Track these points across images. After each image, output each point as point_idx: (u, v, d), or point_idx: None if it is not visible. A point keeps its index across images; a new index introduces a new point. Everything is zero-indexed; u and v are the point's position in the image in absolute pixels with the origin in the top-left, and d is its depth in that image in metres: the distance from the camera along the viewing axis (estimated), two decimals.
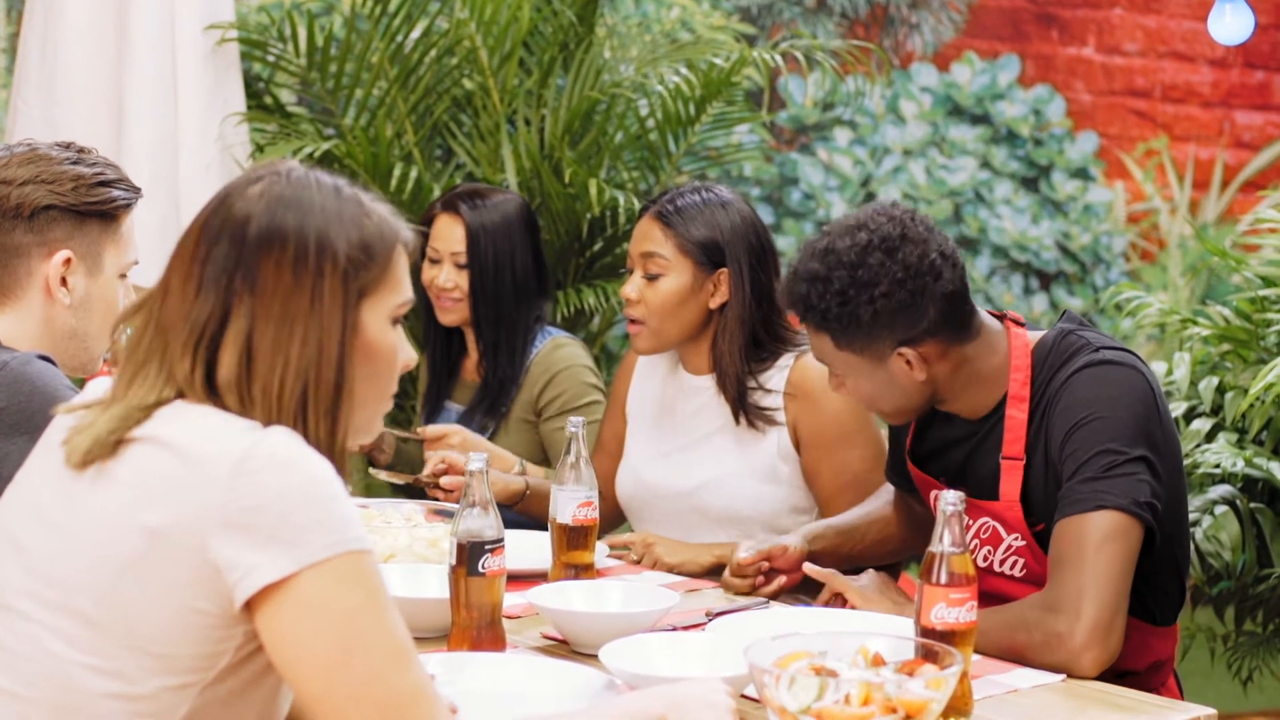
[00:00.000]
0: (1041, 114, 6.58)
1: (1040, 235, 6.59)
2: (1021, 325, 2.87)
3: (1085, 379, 2.72)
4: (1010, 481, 2.79)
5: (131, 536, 1.86)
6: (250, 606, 1.85)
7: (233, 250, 1.92)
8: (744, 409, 3.34)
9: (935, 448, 2.97)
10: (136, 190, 2.75)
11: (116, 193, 2.70)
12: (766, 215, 6.33)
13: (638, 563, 3.23)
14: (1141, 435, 2.68)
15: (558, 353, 3.87)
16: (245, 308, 1.92)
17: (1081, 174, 6.63)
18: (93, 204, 2.67)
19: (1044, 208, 6.60)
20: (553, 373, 3.85)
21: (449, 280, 3.88)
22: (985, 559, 2.86)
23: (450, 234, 3.88)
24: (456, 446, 3.56)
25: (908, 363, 2.77)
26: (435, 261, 3.91)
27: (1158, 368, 4.18)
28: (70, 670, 1.88)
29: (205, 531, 1.83)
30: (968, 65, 6.51)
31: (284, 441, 1.87)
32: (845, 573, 3.10)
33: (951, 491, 2.31)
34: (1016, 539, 2.82)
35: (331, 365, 1.93)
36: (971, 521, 2.87)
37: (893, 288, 2.71)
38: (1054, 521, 2.67)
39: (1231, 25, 3.43)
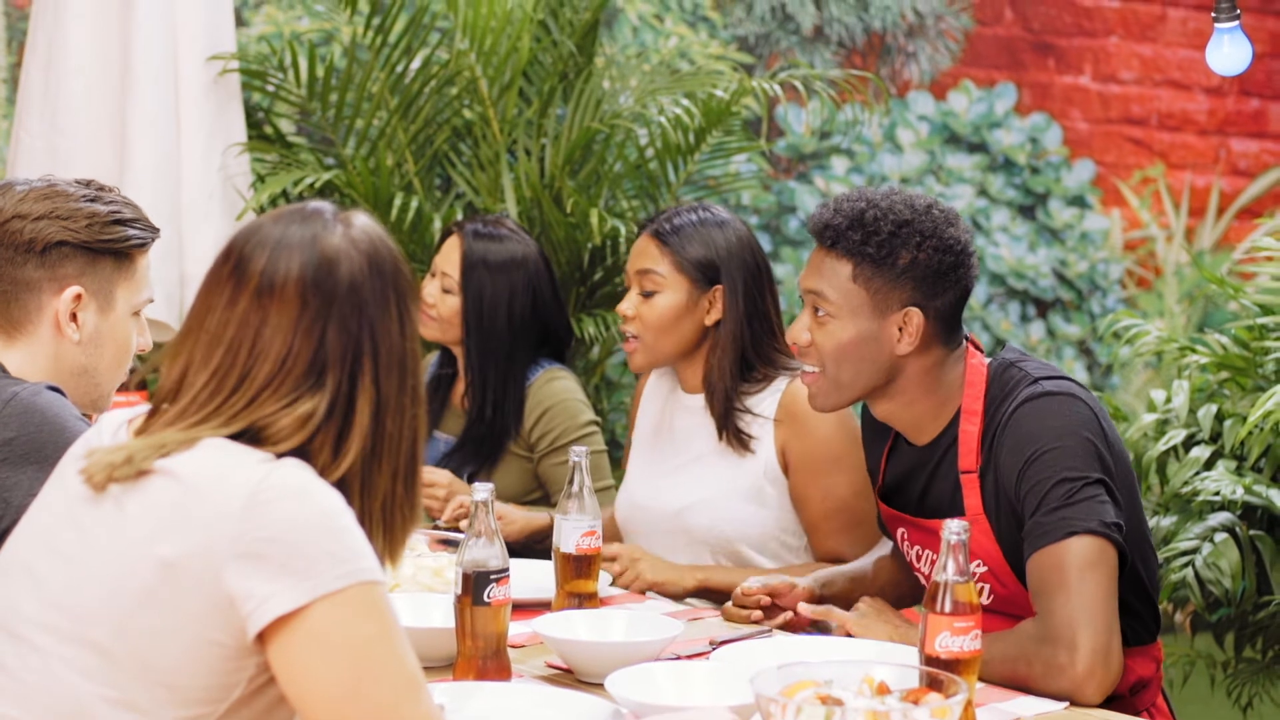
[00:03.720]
0: (1038, 142, 6.61)
1: (1037, 263, 6.61)
2: (979, 349, 2.91)
3: (1028, 412, 2.75)
4: (972, 495, 2.82)
5: (146, 568, 1.87)
6: (263, 637, 1.86)
7: (353, 315, 1.95)
8: (726, 426, 3.35)
9: (894, 482, 3.00)
10: (154, 230, 2.76)
11: (132, 231, 2.70)
12: (765, 243, 6.35)
13: (620, 575, 3.22)
14: (1093, 459, 2.70)
15: (549, 386, 3.87)
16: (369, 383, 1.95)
17: (1078, 201, 6.65)
18: (106, 242, 2.68)
19: (1041, 235, 6.62)
20: (545, 408, 3.86)
21: (431, 296, 3.92)
22: None
23: (450, 255, 3.92)
24: (443, 498, 3.61)
25: (900, 328, 2.80)
26: (432, 275, 3.95)
27: (1157, 395, 4.20)
28: (84, 701, 1.89)
29: (219, 563, 1.85)
30: (964, 94, 6.54)
31: (296, 473, 1.89)
32: (835, 598, 3.14)
33: (956, 521, 2.33)
34: (978, 565, 2.84)
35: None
36: (937, 555, 2.88)
37: (941, 249, 2.79)
38: (1027, 557, 2.69)
39: (1230, 56, 3.44)
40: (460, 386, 4.00)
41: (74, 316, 2.68)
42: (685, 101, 5.12)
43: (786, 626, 3.00)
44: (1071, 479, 2.67)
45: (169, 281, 4.63)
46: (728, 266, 3.38)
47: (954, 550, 2.32)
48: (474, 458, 3.87)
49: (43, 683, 1.91)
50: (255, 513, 1.85)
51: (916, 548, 2.97)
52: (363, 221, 2.02)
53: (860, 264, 2.80)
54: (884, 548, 3.26)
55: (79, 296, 2.67)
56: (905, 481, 2.97)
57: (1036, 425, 2.73)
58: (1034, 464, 2.71)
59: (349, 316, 1.95)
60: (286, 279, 1.95)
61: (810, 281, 2.86)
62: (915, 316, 2.80)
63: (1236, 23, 3.47)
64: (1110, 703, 2.68)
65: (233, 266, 1.98)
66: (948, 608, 2.32)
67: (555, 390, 3.86)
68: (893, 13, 6.44)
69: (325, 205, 2.03)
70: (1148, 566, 2.86)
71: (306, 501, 1.87)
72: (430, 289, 3.92)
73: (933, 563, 2.88)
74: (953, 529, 2.32)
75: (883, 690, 2.18)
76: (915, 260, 2.78)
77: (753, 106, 5.57)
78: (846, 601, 3.10)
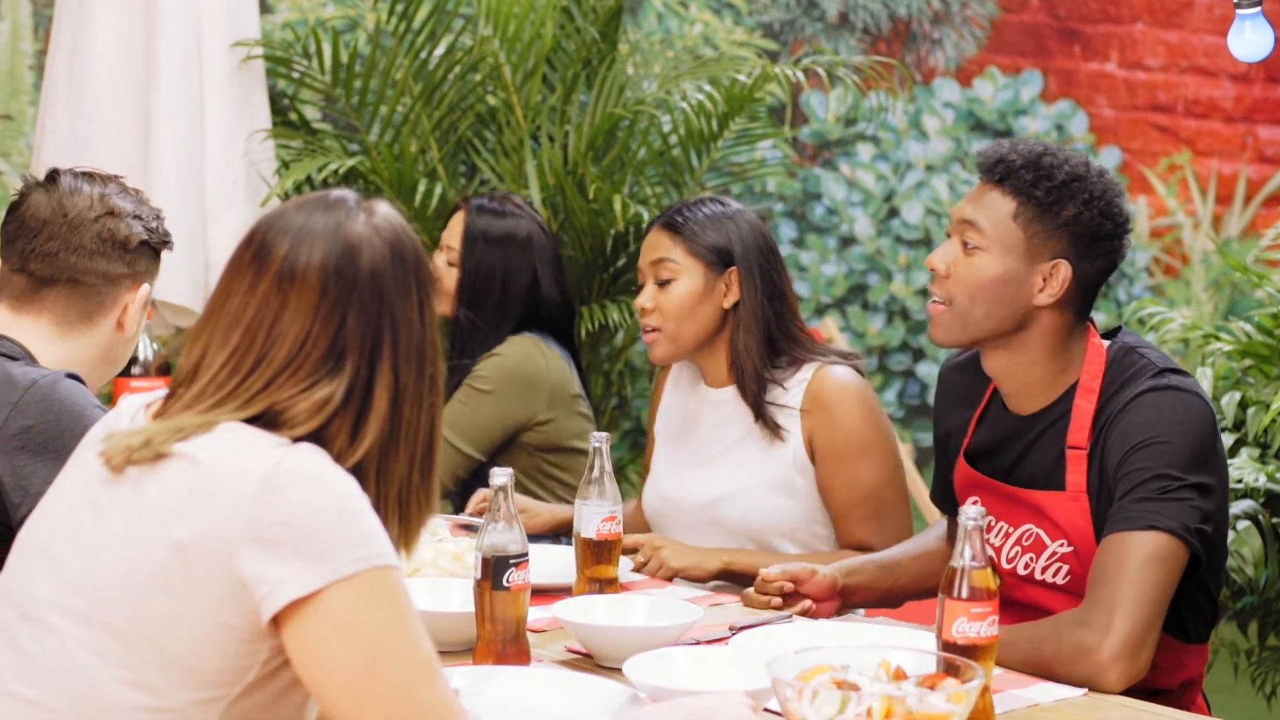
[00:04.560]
0: (1064, 129, 6.59)
1: None
2: (1097, 331, 2.89)
3: (1149, 403, 2.72)
4: (1076, 471, 2.78)
5: (161, 551, 1.88)
6: (277, 621, 1.87)
7: (374, 302, 1.96)
8: (761, 410, 3.35)
9: (982, 447, 2.97)
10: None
11: (170, 235, 2.83)
12: (789, 230, 6.35)
13: (644, 565, 3.23)
14: (1200, 463, 2.67)
15: (508, 344, 3.96)
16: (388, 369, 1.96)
17: None
18: (165, 241, 2.80)
19: None
20: (492, 355, 3.94)
21: (436, 271, 3.98)
22: (1026, 567, 2.85)
23: (453, 229, 4.00)
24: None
25: (1045, 279, 2.78)
26: (439, 250, 4.01)
27: None
28: (100, 683, 1.89)
29: (233, 546, 1.86)
30: (990, 81, 6.52)
31: (311, 458, 1.89)
32: (882, 607, 3.15)
33: (972, 506, 2.32)
34: (1062, 545, 2.81)
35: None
36: (1012, 529, 2.87)
37: (1106, 214, 2.77)
38: (1102, 537, 2.67)
39: (1252, 42, 3.43)
40: None
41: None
42: (708, 88, 5.12)
43: (807, 613, 3.00)
44: (1171, 476, 2.64)
45: (193, 268, 4.65)
46: (741, 248, 3.39)
47: (971, 536, 2.31)
48: None
49: (58, 664, 1.92)
50: (270, 497, 1.86)
51: (990, 518, 2.93)
52: (385, 210, 2.03)
53: (1025, 204, 2.77)
54: (922, 537, 3.24)
55: (147, 294, 2.77)
56: (997, 448, 2.93)
57: (1153, 415, 2.70)
58: (1140, 451, 2.68)
59: (369, 304, 1.96)
60: (309, 266, 1.96)
61: (967, 211, 2.83)
62: (1063, 270, 2.77)
63: (1259, 9, 3.45)
64: (1156, 696, 2.67)
65: (255, 252, 1.99)
66: (965, 593, 2.31)
67: (509, 347, 3.95)
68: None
69: (349, 193, 2.04)
70: (1221, 570, 2.84)
71: (321, 486, 1.88)
72: (437, 262, 3.96)
73: (1006, 535, 2.87)
74: (970, 515, 2.31)
75: (899, 675, 2.18)
76: (1079, 217, 2.75)
77: (777, 93, 5.57)
78: (873, 591, 3.10)
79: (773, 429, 3.34)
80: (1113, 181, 2.81)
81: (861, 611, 3.39)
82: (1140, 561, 2.60)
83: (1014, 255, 2.79)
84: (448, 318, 4.00)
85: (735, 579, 3.27)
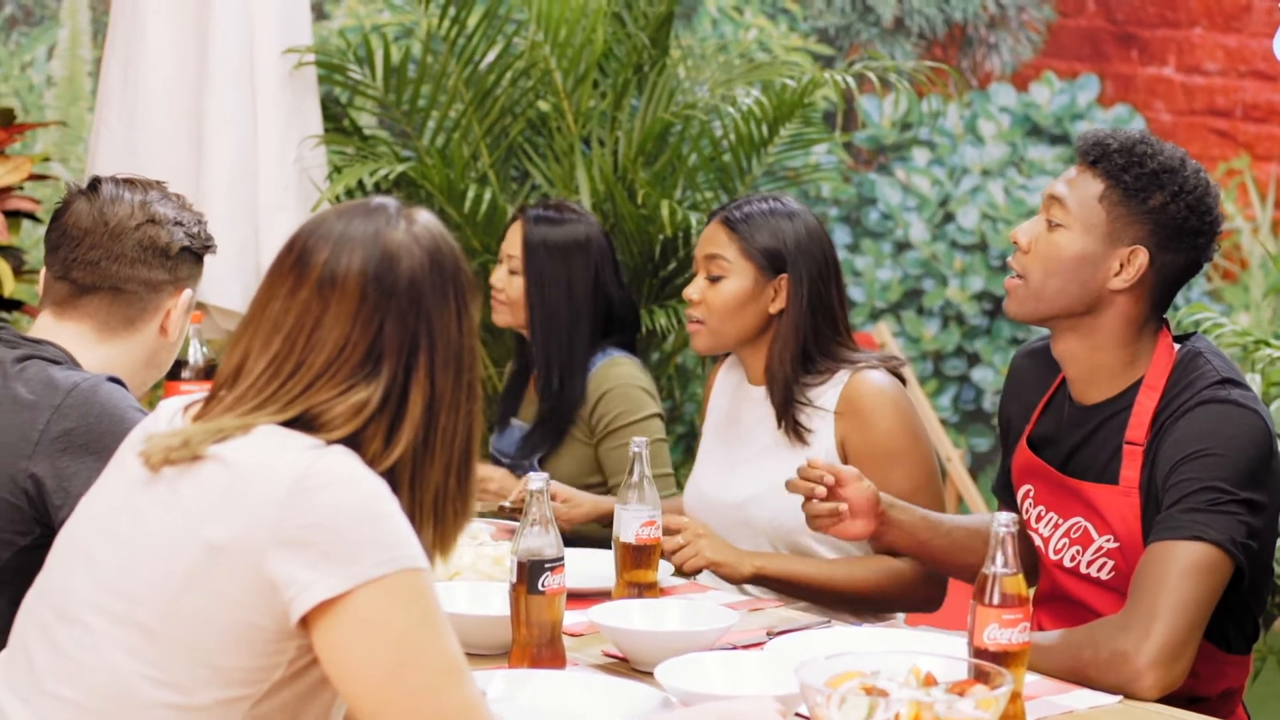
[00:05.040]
0: None
1: None
2: (1170, 333, 2.88)
3: (1205, 414, 2.71)
4: (1131, 467, 2.77)
5: (193, 551, 1.90)
6: (306, 622, 1.89)
7: (411, 309, 1.99)
8: (785, 416, 3.35)
9: (1044, 433, 2.96)
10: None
11: (213, 239, 2.85)
12: (844, 235, 6.34)
13: (680, 549, 3.22)
14: (1252, 479, 2.66)
15: (610, 370, 3.93)
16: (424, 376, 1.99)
17: None
18: (207, 246, 2.82)
19: None
20: (604, 390, 3.91)
21: (499, 281, 4.02)
22: (1073, 559, 2.85)
23: (512, 239, 4.02)
24: (494, 492, 3.66)
25: (1122, 264, 2.77)
26: (499, 262, 4.03)
27: None
28: (131, 681, 1.92)
29: (263, 547, 1.88)
30: (1046, 85, 6.50)
31: (342, 460, 1.91)
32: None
33: (1005, 513, 2.32)
34: (1109, 540, 2.80)
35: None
36: (1062, 520, 2.86)
37: (1193, 209, 2.76)
38: (1148, 544, 2.66)
39: None
40: (535, 375, 4.06)
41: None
42: (756, 93, 5.13)
43: (839, 517, 2.96)
44: (1221, 489, 2.63)
45: (245, 272, 4.69)
46: (794, 257, 3.39)
47: (1003, 543, 2.31)
48: (544, 440, 3.93)
49: (93, 663, 1.95)
50: (300, 499, 1.88)
51: (1040, 508, 2.92)
52: (425, 219, 2.05)
53: (1113, 187, 2.76)
54: (970, 517, 3.21)
55: (190, 299, 2.79)
56: (1057, 436, 2.92)
57: (1210, 427, 2.69)
58: (1192, 461, 2.67)
59: (407, 311, 1.98)
60: (348, 272, 1.98)
61: (1058, 188, 2.82)
62: (1141, 256, 2.76)
63: None
64: (1194, 704, 2.66)
65: (296, 258, 2.01)
66: (996, 600, 2.31)
67: (617, 374, 3.92)
68: (974, 4, 6.42)
69: (389, 201, 2.06)
70: (1265, 580, 2.82)
71: (351, 489, 1.90)
72: (498, 275, 4.00)
73: (1055, 526, 2.86)
74: (1002, 521, 2.31)
75: (929, 681, 2.18)
76: (1165, 206, 2.75)
77: (832, 98, 5.57)
78: (911, 538, 3.05)
79: (796, 433, 3.35)
80: (1208, 181, 2.80)
81: (902, 617, 3.39)
82: (1183, 570, 2.59)
83: (1094, 236, 2.78)
84: (516, 327, 4.03)
85: (768, 585, 3.27)
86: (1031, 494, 2.93)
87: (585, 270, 3.95)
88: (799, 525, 3.32)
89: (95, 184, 2.78)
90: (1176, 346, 2.83)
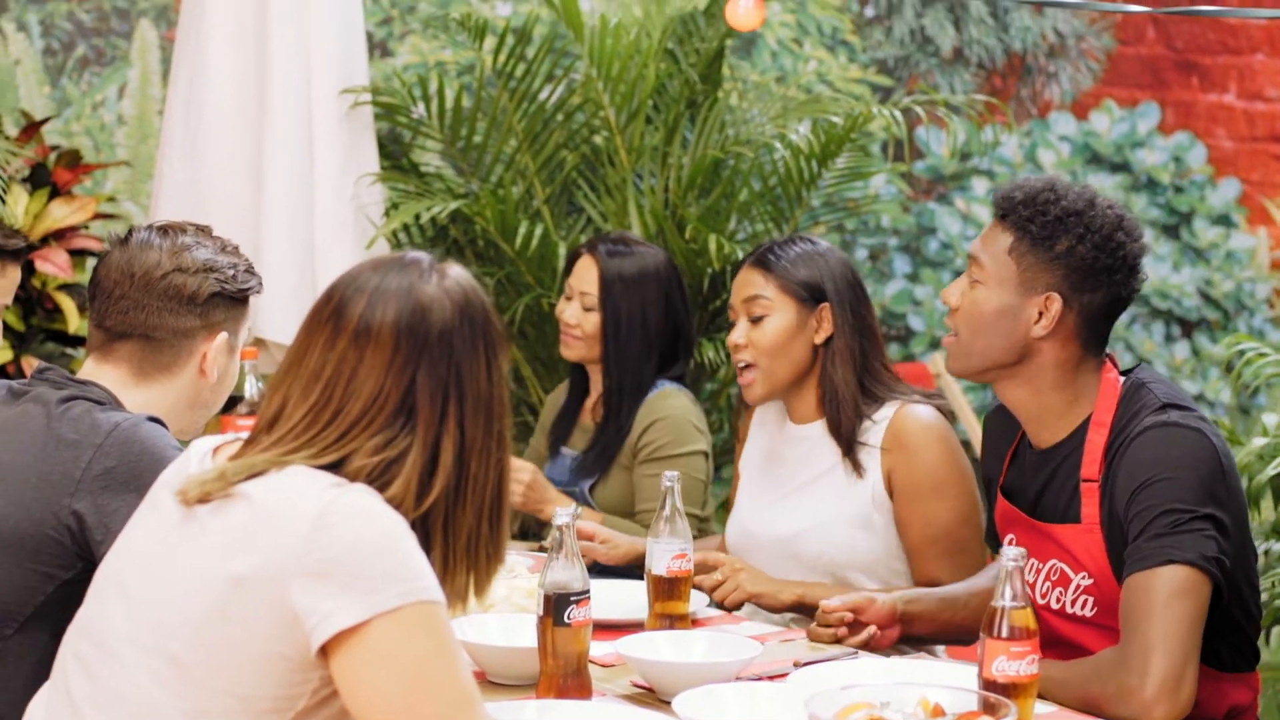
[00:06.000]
0: (1182, 161, 6.57)
1: (1181, 282, 6.57)
2: (1116, 366, 2.93)
3: (1150, 440, 2.77)
4: (1090, 504, 2.83)
5: (219, 584, 1.99)
6: (326, 651, 1.97)
7: (443, 361, 2.07)
8: (853, 446, 3.39)
9: (1015, 482, 3.02)
10: (261, 279, 2.95)
11: (254, 280, 2.90)
12: (904, 265, 6.38)
13: (720, 584, 3.28)
14: (1206, 494, 2.71)
15: (663, 401, 3.97)
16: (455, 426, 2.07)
17: (1223, 220, 6.60)
18: (244, 290, 2.87)
19: (1185, 255, 6.57)
20: (654, 419, 3.96)
21: (574, 317, 4.04)
22: (1058, 601, 2.89)
23: (585, 274, 4.04)
24: (526, 482, 3.72)
25: (1040, 312, 2.84)
26: (568, 298, 4.07)
27: (1269, 420, 4.18)
28: (161, 710, 2.01)
29: (286, 580, 1.96)
30: (1106, 113, 6.52)
31: (361, 498, 2.00)
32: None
33: (1013, 548, 2.37)
34: (1084, 578, 2.85)
35: None
36: (1041, 565, 2.91)
37: (1102, 246, 2.83)
38: (1123, 579, 2.71)
39: None
40: (589, 402, 4.11)
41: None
42: (803, 130, 5.18)
43: (872, 641, 3.05)
44: (1179, 510, 2.69)
45: (302, 307, 4.69)
46: (833, 284, 3.44)
47: (1011, 576, 2.36)
48: (595, 467, 3.98)
49: (128, 693, 2.04)
50: (321, 534, 1.96)
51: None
52: (457, 273, 2.14)
53: (1020, 239, 2.85)
54: (984, 575, 3.28)
55: (226, 341, 2.84)
56: (1024, 483, 2.99)
57: (1156, 453, 2.75)
58: (1146, 490, 2.73)
59: (439, 361, 2.06)
60: (382, 324, 2.07)
61: (974, 247, 2.93)
62: (1056, 303, 2.83)
63: None
64: None
65: (333, 309, 2.10)
66: (1005, 633, 2.36)
67: (669, 405, 3.96)
68: (1033, 33, 6.44)
69: (423, 255, 2.16)
70: (1250, 597, 2.86)
71: (369, 523, 1.98)
72: (570, 311, 4.03)
73: (1037, 571, 2.91)
74: (1009, 555, 2.36)
75: (938, 713, 2.23)
76: (1073, 250, 2.82)
77: (892, 129, 5.61)
78: (934, 622, 3.13)
79: (856, 466, 3.39)
80: (1120, 216, 2.86)
81: (943, 650, 3.42)
82: (1166, 598, 2.64)
83: (1009, 288, 2.86)
84: (587, 361, 4.07)
85: (810, 613, 3.31)
86: (1013, 541, 2.98)
87: (659, 299, 4.00)
88: (848, 559, 3.37)
89: (130, 233, 2.86)
90: (1121, 380, 2.88)
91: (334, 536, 1.96)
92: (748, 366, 3.47)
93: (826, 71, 6.24)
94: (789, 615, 3.35)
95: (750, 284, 3.48)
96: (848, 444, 3.40)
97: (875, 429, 3.39)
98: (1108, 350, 2.94)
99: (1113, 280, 2.85)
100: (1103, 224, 2.83)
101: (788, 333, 3.43)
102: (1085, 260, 2.83)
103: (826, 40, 6.26)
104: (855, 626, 3.05)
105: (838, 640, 3.03)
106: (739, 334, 3.46)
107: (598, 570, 3.25)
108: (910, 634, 3.13)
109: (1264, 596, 3.77)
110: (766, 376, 3.46)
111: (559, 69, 5.44)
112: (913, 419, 3.37)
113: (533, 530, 4.05)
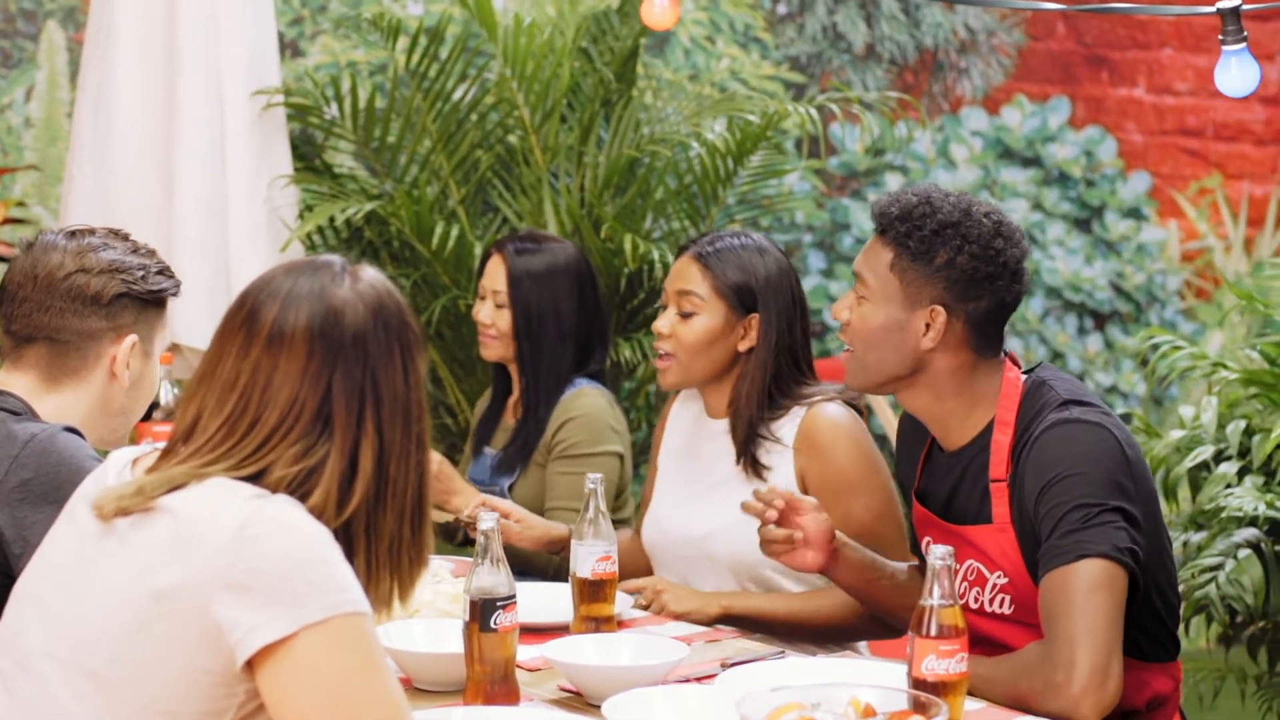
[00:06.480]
0: (1093, 155, 6.61)
1: (1094, 275, 6.61)
2: (1017, 365, 2.96)
3: (1054, 438, 2.80)
4: (1000, 504, 2.86)
5: (140, 599, 1.96)
6: (251, 665, 1.95)
7: (358, 365, 2.04)
8: (745, 453, 3.40)
9: (928, 485, 3.04)
10: (178, 281, 2.90)
11: (168, 282, 2.86)
12: (818, 261, 6.39)
13: (646, 608, 3.27)
14: (1113, 487, 2.74)
15: (579, 400, 3.96)
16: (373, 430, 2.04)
17: (1134, 214, 6.65)
18: (155, 292, 2.82)
19: (1097, 248, 6.62)
20: (568, 417, 3.94)
21: (488, 317, 4.02)
22: (976, 600, 2.91)
23: (495, 273, 4.03)
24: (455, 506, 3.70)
25: (927, 325, 2.86)
26: (482, 299, 4.06)
27: (1185, 412, 4.21)
28: None
29: (209, 593, 1.93)
30: (1018, 108, 6.55)
31: (284, 509, 1.97)
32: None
33: (940, 546, 2.38)
34: (999, 577, 2.87)
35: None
36: (958, 565, 2.92)
37: (980, 255, 2.85)
38: (1040, 578, 2.73)
39: (1238, 78, 3.47)
40: (510, 401, 4.10)
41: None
42: (719, 128, 5.18)
43: (793, 544, 3.01)
44: (1088, 505, 2.72)
45: (216, 312, 4.68)
46: (765, 296, 3.43)
47: (939, 575, 2.37)
48: (513, 465, 3.97)
49: (48, 710, 2.00)
50: (243, 546, 1.93)
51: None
52: (371, 275, 2.11)
53: (900, 254, 2.87)
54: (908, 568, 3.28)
55: (135, 344, 2.79)
56: (936, 486, 3.01)
57: (1060, 451, 2.78)
58: (1054, 487, 2.75)
59: (354, 365, 2.04)
60: (295, 329, 2.04)
61: (858, 263, 2.95)
62: (941, 316, 2.86)
63: (1244, 45, 3.49)
64: (1126, 718, 2.72)
65: (245, 315, 2.07)
66: (934, 631, 2.37)
67: (585, 404, 3.95)
68: (944, 29, 6.47)
69: (335, 258, 2.13)
70: (1166, 586, 2.89)
71: (293, 535, 1.95)
72: (484, 311, 4.02)
73: (955, 572, 2.91)
74: (938, 554, 2.37)
75: (869, 713, 2.23)
76: (952, 262, 2.85)
77: (806, 125, 5.62)
78: (857, 574, 3.09)
79: (754, 469, 3.39)
80: (998, 223, 2.88)
81: (864, 646, 3.43)
82: (1084, 592, 2.66)
83: (894, 304, 2.88)
84: (505, 360, 4.05)
85: (736, 623, 3.30)
86: (930, 544, 2.99)
87: (570, 292, 3.99)
88: (760, 559, 3.36)
89: (38, 237, 2.81)
90: (1023, 379, 2.90)
91: (257, 549, 1.94)
92: (668, 354, 3.47)
93: (740, 69, 6.24)
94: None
95: (686, 276, 3.46)
96: (740, 452, 3.41)
97: (786, 430, 3.40)
98: (1007, 350, 2.97)
99: (995, 286, 2.88)
100: (979, 233, 2.86)
101: (712, 335, 3.43)
102: (965, 271, 2.85)
103: (739, 37, 6.26)
104: (783, 519, 3.03)
105: (768, 521, 3.01)
106: (665, 323, 3.46)
107: (521, 571, 3.23)
108: (832, 576, 3.11)
109: (1183, 587, 3.80)
110: (683, 369, 3.46)
111: (472, 69, 5.42)
112: (823, 418, 3.37)
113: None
